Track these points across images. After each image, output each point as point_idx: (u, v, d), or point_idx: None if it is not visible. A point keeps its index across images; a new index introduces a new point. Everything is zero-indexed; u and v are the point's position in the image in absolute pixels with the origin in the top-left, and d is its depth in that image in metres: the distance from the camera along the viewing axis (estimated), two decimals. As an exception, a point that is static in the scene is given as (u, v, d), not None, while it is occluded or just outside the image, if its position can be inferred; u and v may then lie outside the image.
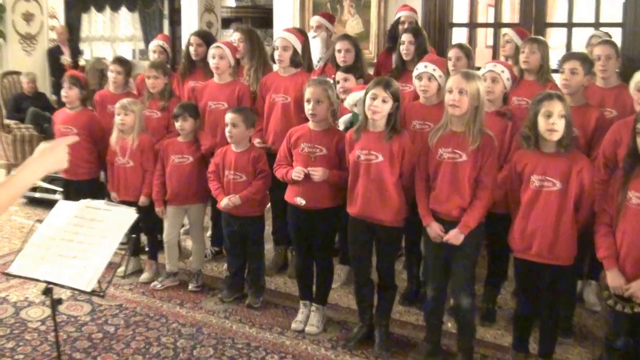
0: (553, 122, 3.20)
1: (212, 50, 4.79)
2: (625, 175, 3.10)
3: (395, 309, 4.08)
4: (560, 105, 3.22)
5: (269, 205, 4.69)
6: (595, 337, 3.97)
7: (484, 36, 8.58)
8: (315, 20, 5.44)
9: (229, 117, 4.23)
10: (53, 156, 2.18)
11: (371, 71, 5.26)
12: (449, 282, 3.63)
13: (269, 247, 4.91)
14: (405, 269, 4.61)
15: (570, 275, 3.59)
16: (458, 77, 3.40)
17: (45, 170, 2.17)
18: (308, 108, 3.85)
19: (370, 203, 3.62)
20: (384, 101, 3.54)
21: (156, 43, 5.70)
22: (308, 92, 3.85)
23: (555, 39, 7.07)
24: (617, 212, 3.10)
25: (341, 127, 4.08)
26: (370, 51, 6.28)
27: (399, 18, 5.49)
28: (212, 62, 4.77)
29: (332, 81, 4.11)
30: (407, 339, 3.95)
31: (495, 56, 6.16)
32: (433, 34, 6.02)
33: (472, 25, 6.31)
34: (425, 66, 3.98)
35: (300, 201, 3.85)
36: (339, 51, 4.81)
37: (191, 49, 5.20)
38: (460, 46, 4.64)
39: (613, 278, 3.09)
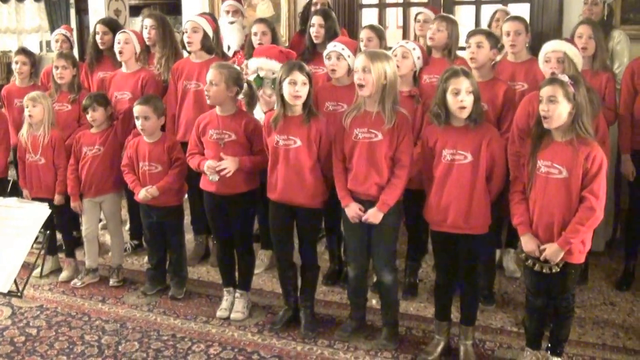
0: (462, 99, 3.26)
1: (117, 36, 4.69)
2: (534, 144, 3.21)
3: (319, 289, 4.10)
4: (467, 82, 3.27)
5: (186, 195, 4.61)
6: (517, 303, 4.11)
7: (395, 17, 8.62)
8: (230, 4, 5.33)
9: (138, 109, 4.13)
10: None
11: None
12: (370, 260, 3.69)
13: (189, 237, 4.85)
14: (327, 249, 4.65)
15: (487, 243, 3.69)
16: (362, 57, 3.44)
17: None
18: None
19: (290, 188, 3.63)
20: (304, 84, 3.55)
21: (59, 32, 5.50)
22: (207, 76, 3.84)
23: (465, 17, 7.17)
24: (529, 181, 3.21)
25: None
26: (282, 34, 6.21)
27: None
28: (116, 47, 4.67)
29: (238, 67, 4.05)
30: (332, 318, 3.98)
31: (405, 37, 6.17)
32: (343, 15, 6.01)
33: (382, 6, 6.33)
34: (335, 45, 4.03)
35: (213, 178, 3.80)
36: (255, 34, 4.74)
37: (97, 37, 5.03)
38: (371, 27, 4.65)
39: (527, 242, 3.19)
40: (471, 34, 3.98)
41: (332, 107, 4.06)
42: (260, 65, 4.05)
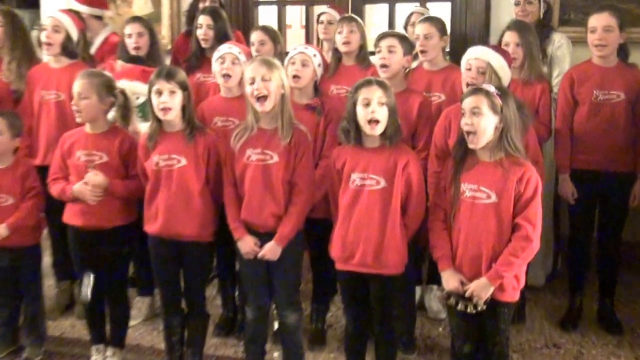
0: (372, 111, 3.27)
1: None
2: (456, 165, 3.24)
3: (209, 342, 4.06)
4: (381, 92, 3.29)
5: (46, 231, 4.47)
6: (443, 349, 4.13)
7: (299, 15, 8.63)
8: None
9: None
10: None
11: (167, 60, 5.18)
12: (270, 302, 3.68)
13: (49, 283, 4.69)
14: (219, 292, 4.59)
15: (404, 284, 3.68)
16: (257, 64, 3.46)
17: None
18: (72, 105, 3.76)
19: (174, 217, 3.59)
20: (172, 93, 3.52)
21: None
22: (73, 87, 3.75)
23: (377, 18, 7.30)
24: (451, 207, 3.25)
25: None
26: (164, 36, 6.15)
27: (198, -5, 5.47)
28: None
29: (111, 75, 3.99)
30: (226, 377, 3.94)
31: (308, 38, 6.24)
32: (236, 14, 6.00)
33: (281, 3, 6.36)
34: (230, 48, 4.06)
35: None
36: (129, 36, 4.68)
37: None
38: (263, 29, 4.66)
39: (448, 279, 3.21)
40: (382, 37, 4.03)
41: (222, 122, 4.05)
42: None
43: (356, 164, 3.36)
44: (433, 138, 3.78)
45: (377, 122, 3.29)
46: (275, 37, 4.62)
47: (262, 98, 3.41)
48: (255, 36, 4.58)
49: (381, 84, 3.35)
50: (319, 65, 4.03)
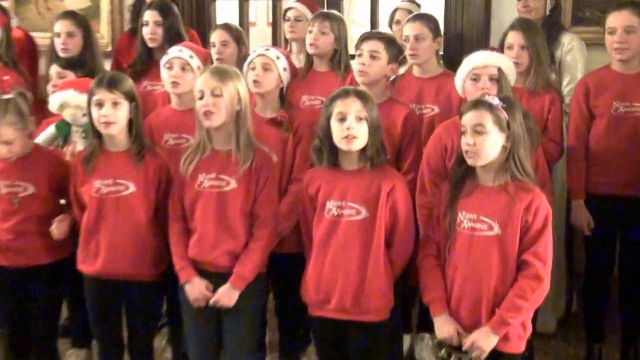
0: (348, 127, 3.23)
1: None
2: (453, 191, 3.21)
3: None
4: (359, 104, 3.25)
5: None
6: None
7: (265, 11, 8.66)
8: None
9: None
10: None
11: (107, 64, 5.16)
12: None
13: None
14: (169, 343, 4.54)
15: (390, 332, 3.57)
16: (208, 76, 3.45)
17: None
18: None
19: (118, 254, 3.56)
20: (115, 104, 3.47)
21: None
22: None
23: (358, 13, 7.31)
24: (446, 240, 3.21)
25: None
26: (103, 35, 6.13)
27: (145, -12, 5.43)
28: None
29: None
30: None
31: (275, 38, 6.23)
32: (190, 10, 5.96)
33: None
34: (180, 50, 4.06)
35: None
36: (58, 35, 4.68)
37: None
38: (226, 27, 4.67)
39: (442, 326, 3.17)
40: (365, 38, 4.00)
41: (174, 140, 4.03)
42: (66, 100, 3.91)
43: (332, 189, 3.33)
44: (425, 159, 3.75)
45: (354, 138, 3.25)
46: (239, 36, 4.64)
47: (208, 113, 3.40)
48: (216, 36, 4.59)
49: (361, 95, 3.32)
50: (285, 69, 3.97)
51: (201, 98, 3.40)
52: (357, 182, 3.31)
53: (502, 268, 3.08)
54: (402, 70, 4.35)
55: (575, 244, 4.89)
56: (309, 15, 4.90)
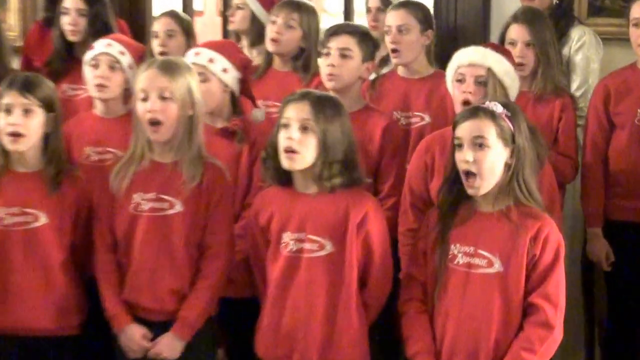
0: (289, 137, 3.19)
1: None
2: (443, 218, 3.20)
3: None
4: (308, 111, 3.19)
5: None
6: None
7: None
8: None
9: None
10: None
11: (16, 63, 5.11)
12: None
13: None
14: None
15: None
16: (154, 72, 3.39)
17: None
18: None
19: (25, 303, 3.51)
20: (27, 112, 3.43)
21: None
22: None
23: (330, 1, 7.35)
24: (435, 280, 3.18)
25: None
26: (11, 26, 6.11)
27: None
28: None
29: None
30: None
31: (226, 30, 6.18)
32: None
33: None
34: (109, 45, 4.03)
35: None
36: None
37: None
38: (172, 15, 4.71)
39: None
40: (332, 34, 4.00)
41: (96, 155, 4.00)
42: None
43: (288, 218, 3.30)
44: (407, 180, 3.75)
45: (295, 154, 3.20)
46: (189, 27, 4.70)
47: (155, 124, 3.37)
48: (161, 25, 4.65)
49: (317, 100, 3.25)
50: (225, 70, 3.92)
51: (145, 99, 3.37)
52: (318, 209, 3.28)
53: (505, 314, 3.07)
54: (385, 69, 4.37)
55: (596, 283, 4.84)
56: (256, 5, 4.90)
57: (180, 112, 3.36)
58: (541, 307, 3.02)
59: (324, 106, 3.25)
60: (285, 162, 3.21)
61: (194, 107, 3.40)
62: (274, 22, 4.46)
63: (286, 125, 3.20)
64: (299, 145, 3.17)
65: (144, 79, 3.41)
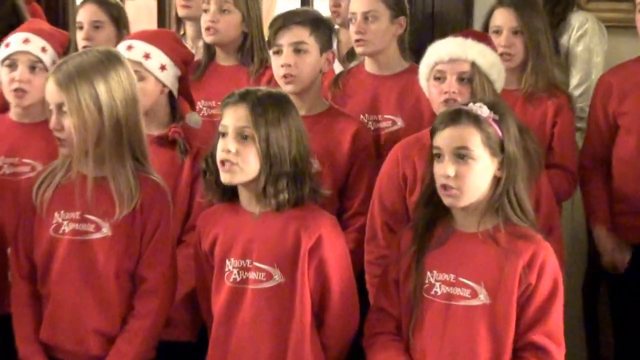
0: (224, 148, 3.19)
1: None
2: (419, 240, 3.20)
3: None
4: (245, 116, 3.16)
5: None
6: None
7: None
8: None
9: None
10: None
11: None
12: None
13: None
14: None
15: None
16: (50, 84, 3.34)
17: None
18: None
19: None
20: None
21: None
22: None
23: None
24: (410, 314, 3.19)
25: None
26: None
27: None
28: None
29: None
30: None
31: (163, 17, 6.22)
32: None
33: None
34: (27, 41, 4.03)
35: None
36: None
37: None
38: (98, 2, 4.69)
39: None
40: (281, 26, 3.97)
41: (10, 167, 4.03)
42: None
43: (232, 243, 3.30)
44: (377, 194, 3.76)
45: (232, 165, 3.17)
46: (119, 15, 4.72)
47: (58, 138, 3.38)
48: (85, 14, 4.67)
49: (256, 102, 3.21)
50: (162, 68, 3.94)
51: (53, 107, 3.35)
52: (264, 232, 3.27)
53: (492, 352, 3.08)
54: (353, 64, 4.39)
55: (600, 318, 4.87)
56: None
57: (81, 124, 3.26)
58: (546, 347, 3.04)
59: (266, 108, 3.21)
60: (223, 176, 3.20)
61: (116, 111, 3.30)
62: (206, 10, 4.46)
63: (223, 134, 3.19)
64: (237, 157, 3.16)
65: (46, 91, 3.37)
